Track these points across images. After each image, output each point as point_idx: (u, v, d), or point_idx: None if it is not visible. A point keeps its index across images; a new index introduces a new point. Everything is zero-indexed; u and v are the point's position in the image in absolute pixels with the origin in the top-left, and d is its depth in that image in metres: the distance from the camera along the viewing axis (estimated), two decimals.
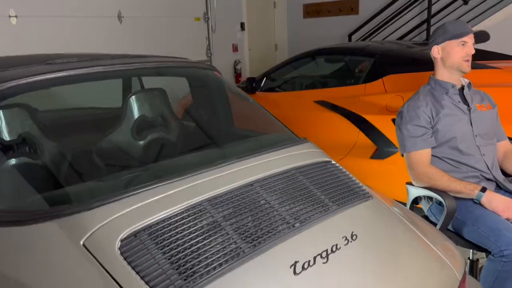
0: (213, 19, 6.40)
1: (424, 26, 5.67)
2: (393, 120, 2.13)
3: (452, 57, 1.90)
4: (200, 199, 1.20)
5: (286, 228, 1.19)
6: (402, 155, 2.00)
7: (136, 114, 1.85)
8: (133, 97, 1.86)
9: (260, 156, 1.45)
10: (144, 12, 5.41)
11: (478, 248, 1.74)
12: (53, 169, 1.53)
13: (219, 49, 6.54)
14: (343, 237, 1.23)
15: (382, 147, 3.00)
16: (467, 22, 5.27)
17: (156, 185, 1.23)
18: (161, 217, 1.12)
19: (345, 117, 3.19)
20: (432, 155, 1.93)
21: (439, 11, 5.50)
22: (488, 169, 1.89)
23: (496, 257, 1.60)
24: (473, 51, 1.89)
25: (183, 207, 1.17)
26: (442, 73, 1.97)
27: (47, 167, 1.53)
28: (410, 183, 2.02)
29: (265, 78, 3.92)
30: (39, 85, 1.53)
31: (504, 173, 1.97)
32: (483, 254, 1.78)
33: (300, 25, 7.57)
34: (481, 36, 1.94)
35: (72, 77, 1.58)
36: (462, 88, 1.98)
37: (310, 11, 7.49)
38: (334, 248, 1.18)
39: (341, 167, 1.60)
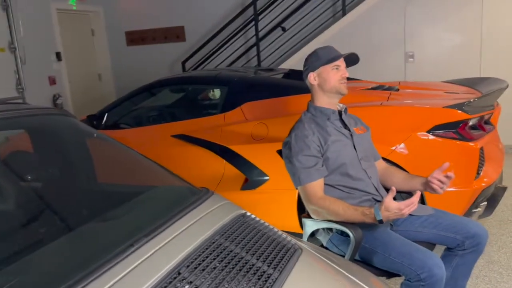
0: (22, 49, 5.48)
1: (254, 52, 5.91)
2: (279, 152, 2.00)
3: (329, 81, 1.88)
4: None
5: None
6: (297, 188, 1.87)
7: None
8: None
9: (172, 226, 1.10)
10: None
11: (389, 274, 1.72)
12: None
13: (32, 83, 5.65)
14: None
15: (252, 177, 2.87)
16: (290, 49, 5.79)
17: None
18: None
19: (208, 149, 2.97)
20: (324, 183, 1.86)
21: (262, 37, 5.80)
22: (377, 190, 1.91)
23: (412, 282, 1.58)
24: (347, 74, 1.91)
25: None
26: (321, 100, 1.93)
27: None
28: (306, 217, 1.92)
29: (106, 114, 3.43)
30: None
31: (387, 190, 2.03)
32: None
33: (124, 53, 7.13)
34: (352, 59, 1.96)
35: None
36: (340, 113, 1.97)
37: (134, 39, 7.15)
38: None
39: (257, 218, 1.38)
